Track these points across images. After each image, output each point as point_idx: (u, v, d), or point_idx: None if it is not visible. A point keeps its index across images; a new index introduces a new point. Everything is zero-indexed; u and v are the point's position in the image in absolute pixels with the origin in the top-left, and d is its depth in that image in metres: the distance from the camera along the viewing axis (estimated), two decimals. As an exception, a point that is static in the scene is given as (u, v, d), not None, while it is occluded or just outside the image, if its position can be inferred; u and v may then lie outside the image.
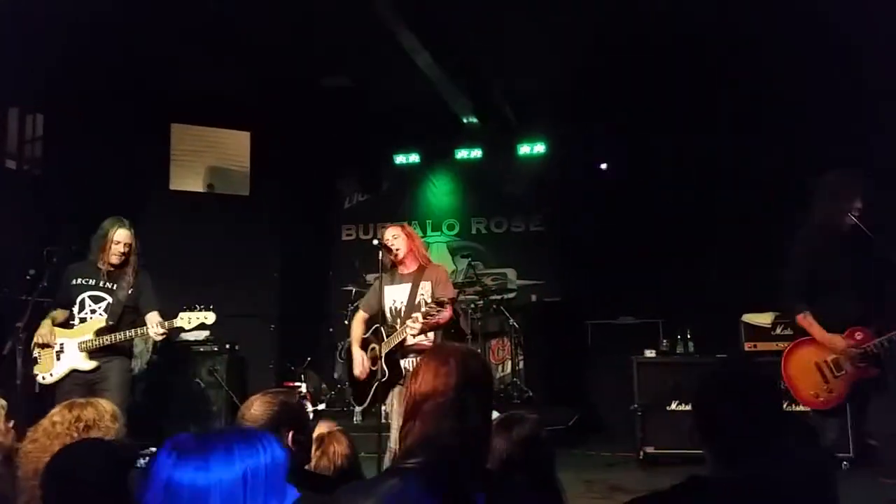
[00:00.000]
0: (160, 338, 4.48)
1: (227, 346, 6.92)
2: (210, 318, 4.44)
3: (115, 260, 4.51)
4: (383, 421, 4.38)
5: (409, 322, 4.01)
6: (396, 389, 4.16)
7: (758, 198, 6.92)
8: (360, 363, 4.31)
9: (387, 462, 3.85)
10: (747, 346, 5.60)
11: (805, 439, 1.80)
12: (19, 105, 6.67)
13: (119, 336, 4.40)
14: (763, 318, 5.48)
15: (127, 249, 4.54)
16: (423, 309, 3.97)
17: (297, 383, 6.99)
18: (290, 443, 2.31)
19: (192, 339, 6.93)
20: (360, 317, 4.50)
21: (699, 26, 6.12)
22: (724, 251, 6.96)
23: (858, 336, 3.59)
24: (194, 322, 4.42)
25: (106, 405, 2.27)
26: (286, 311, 8.06)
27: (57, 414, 2.19)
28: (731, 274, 6.71)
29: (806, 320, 3.70)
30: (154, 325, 4.39)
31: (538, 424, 2.24)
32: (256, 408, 2.20)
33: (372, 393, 4.27)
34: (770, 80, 6.70)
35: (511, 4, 5.97)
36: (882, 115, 5.77)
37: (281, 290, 8.14)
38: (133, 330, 4.44)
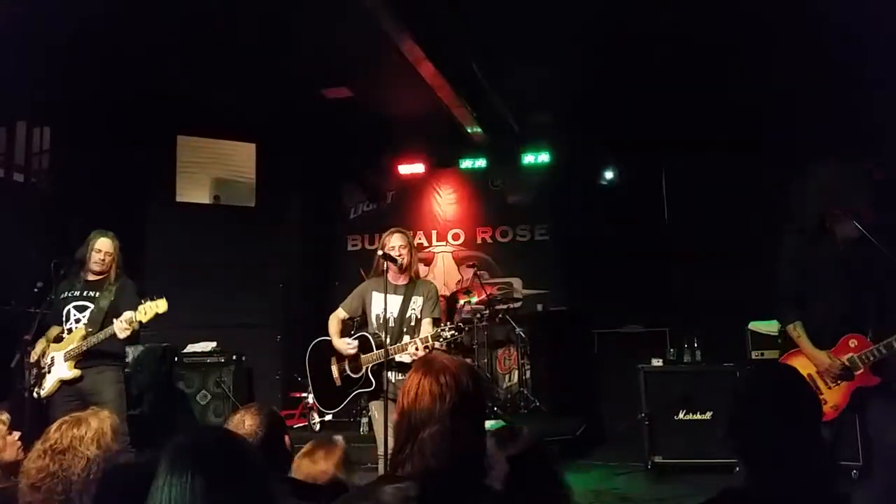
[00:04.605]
0: (125, 333, 4.31)
1: (234, 357, 6.93)
2: (161, 305, 4.34)
3: (95, 268, 4.57)
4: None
5: (414, 345, 3.95)
6: (378, 401, 4.07)
7: (764, 204, 6.88)
8: (348, 345, 4.22)
9: (380, 469, 3.85)
10: (754, 355, 5.57)
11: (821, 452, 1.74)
12: (27, 118, 6.72)
13: (93, 340, 4.36)
14: (770, 326, 5.43)
15: (108, 258, 4.59)
16: (431, 334, 3.95)
17: (304, 394, 6.97)
18: (287, 447, 2.36)
19: (199, 350, 6.96)
20: (338, 315, 4.40)
21: (705, 35, 6.11)
22: (730, 258, 6.91)
23: (853, 343, 3.36)
24: (149, 313, 4.32)
25: (104, 420, 2.24)
26: (292, 321, 8.06)
27: (53, 431, 2.17)
28: (738, 281, 6.66)
29: (795, 332, 3.49)
30: (121, 321, 4.29)
31: (533, 436, 2.13)
32: (249, 422, 2.21)
33: (348, 400, 4.27)
34: (777, 89, 6.65)
35: (514, 13, 5.98)
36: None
37: (287, 300, 8.14)
38: (102, 331, 4.38)
